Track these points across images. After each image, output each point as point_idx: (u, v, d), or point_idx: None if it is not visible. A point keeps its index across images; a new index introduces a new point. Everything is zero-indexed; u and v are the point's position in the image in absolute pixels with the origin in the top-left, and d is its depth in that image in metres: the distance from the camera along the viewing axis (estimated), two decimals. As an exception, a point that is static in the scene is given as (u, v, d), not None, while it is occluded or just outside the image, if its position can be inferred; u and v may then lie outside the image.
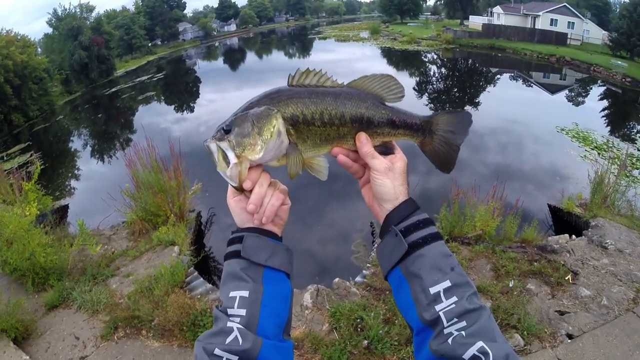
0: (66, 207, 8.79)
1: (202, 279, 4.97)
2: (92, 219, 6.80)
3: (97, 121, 22.66)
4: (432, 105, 18.96)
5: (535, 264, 5.03)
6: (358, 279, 4.95)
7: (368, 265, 5.26)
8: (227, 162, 0.76)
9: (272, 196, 0.81)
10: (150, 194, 5.72)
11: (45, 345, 3.76)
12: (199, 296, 4.51)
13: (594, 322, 3.99)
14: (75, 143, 18.58)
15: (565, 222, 7.01)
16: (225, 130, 0.76)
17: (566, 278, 4.70)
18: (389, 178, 0.79)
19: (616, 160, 7.63)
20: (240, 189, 0.79)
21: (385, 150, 0.84)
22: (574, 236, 5.84)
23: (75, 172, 14.52)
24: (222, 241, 7.05)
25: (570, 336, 3.82)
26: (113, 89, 30.74)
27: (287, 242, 0.85)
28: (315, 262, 6.47)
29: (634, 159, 8.99)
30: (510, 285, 4.56)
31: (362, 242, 6.80)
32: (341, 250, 6.61)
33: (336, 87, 0.83)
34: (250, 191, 0.79)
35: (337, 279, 4.75)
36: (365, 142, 0.81)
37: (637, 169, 9.02)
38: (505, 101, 17.96)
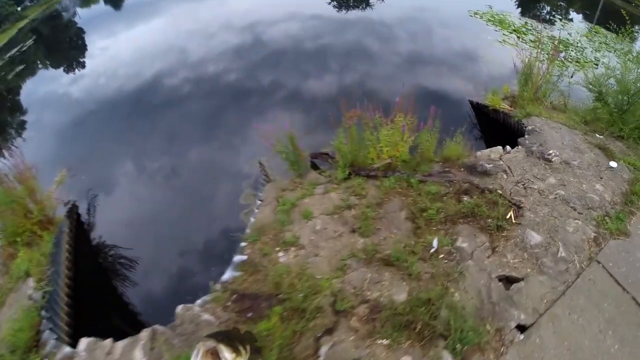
0: None
1: (49, 331, 2.88)
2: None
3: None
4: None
5: (466, 198, 3.57)
6: (226, 276, 3.12)
7: (243, 244, 3.41)
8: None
9: None
10: (-2, 214, 4.36)
11: None
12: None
13: (552, 290, 2.69)
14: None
15: (491, 120, 5.69)
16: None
17: (507, 217, 3.33)
18: None
19: (537, 43, 6.29)
20: None
21: None
22: (508, 147, 4.46)
23: None
24: (111, 224, 4.86)
25: (522, 328, 2.47)
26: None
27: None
28: (197, 235, 4.54)
29: (556, 42, 7.71)
30: (434, 245, 3.05)
31: (253, 192, 4.86)
32: (230, 207, 4.71)
33: None
34: None
35: (180, 308, 2.90)
36: None
37: (562, 52, 7.86)
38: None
